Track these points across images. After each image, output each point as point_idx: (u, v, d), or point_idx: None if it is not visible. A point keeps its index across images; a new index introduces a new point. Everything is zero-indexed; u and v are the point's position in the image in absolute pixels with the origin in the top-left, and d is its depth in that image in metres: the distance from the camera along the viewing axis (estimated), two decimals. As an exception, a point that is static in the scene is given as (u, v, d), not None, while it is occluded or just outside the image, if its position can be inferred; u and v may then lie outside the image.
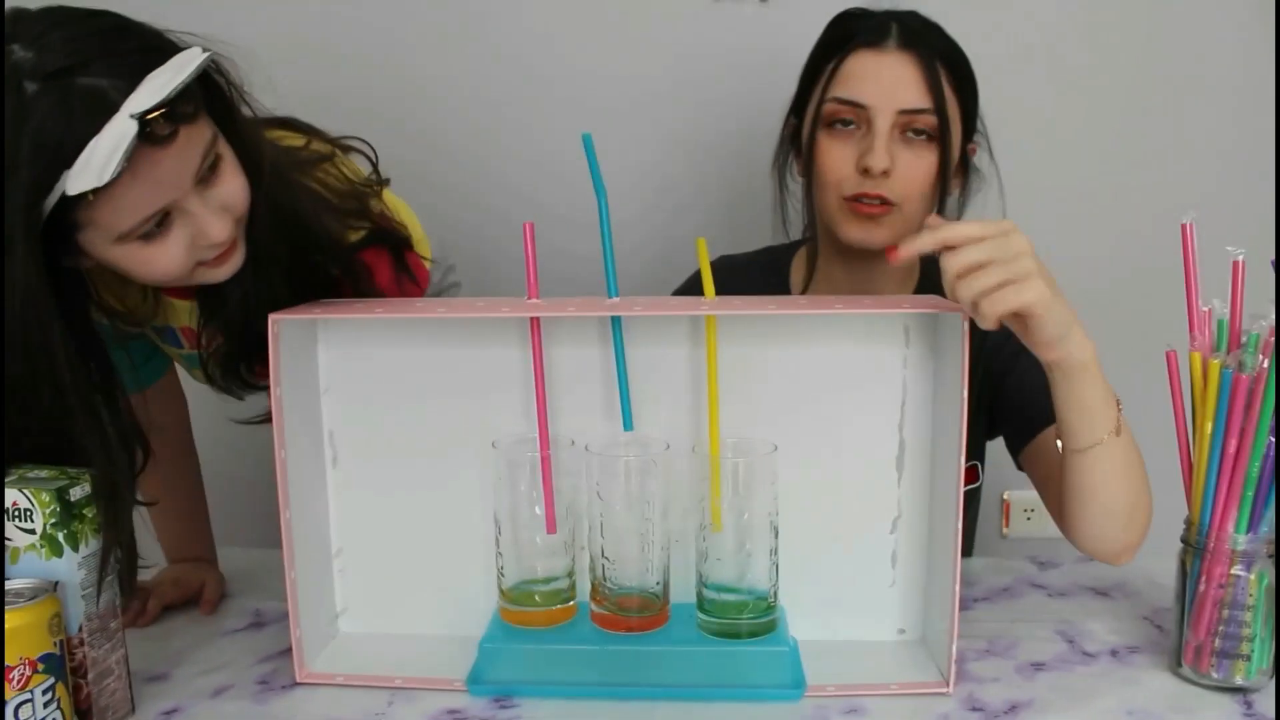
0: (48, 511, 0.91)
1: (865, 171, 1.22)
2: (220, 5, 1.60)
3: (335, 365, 1.12)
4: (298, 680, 1.08)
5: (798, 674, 1.02)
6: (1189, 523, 1.03)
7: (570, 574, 1.08)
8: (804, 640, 1.06)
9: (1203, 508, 1.01)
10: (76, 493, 0.93)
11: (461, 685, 1.05)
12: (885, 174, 1.21)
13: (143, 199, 0.91)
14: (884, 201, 1.23)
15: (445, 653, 1.10)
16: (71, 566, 0.93)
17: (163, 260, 0.96)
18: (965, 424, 0.96)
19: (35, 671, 0.85)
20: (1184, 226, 0.98)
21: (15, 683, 0.84)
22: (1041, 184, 1.93)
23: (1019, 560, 1.34)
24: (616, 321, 1.05)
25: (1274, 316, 0.95)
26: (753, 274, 1.44)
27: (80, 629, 0.93)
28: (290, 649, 1.12)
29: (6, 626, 0.84)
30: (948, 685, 1.01)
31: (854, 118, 1.23)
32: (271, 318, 1.00)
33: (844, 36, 1.25)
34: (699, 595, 1.06)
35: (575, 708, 1.01)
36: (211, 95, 0.97)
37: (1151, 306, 1.66)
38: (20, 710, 0.85)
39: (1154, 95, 1.91)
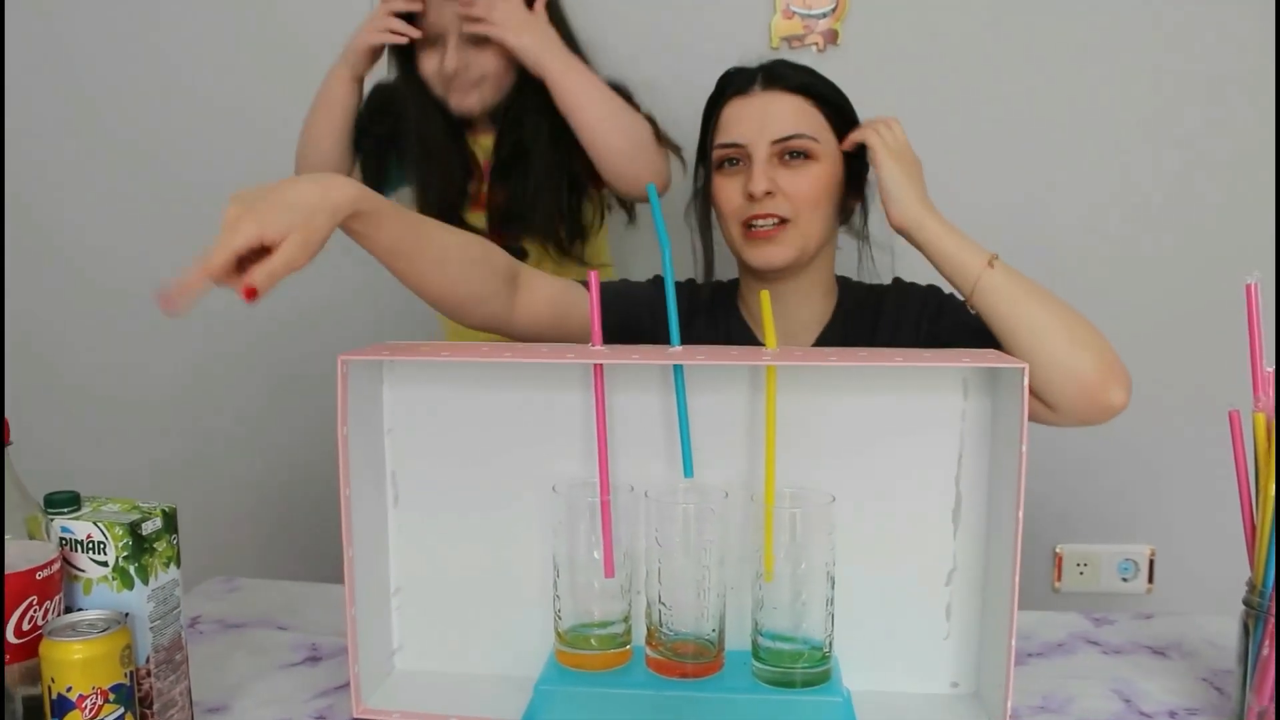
0: (120, 545, 0.93)
1: (751, 198, 1.33)
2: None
3: (399, 406, 1.13)
4: (354, 716, 1.09)
5: (851, 724, 1.02)
6: (1251, 585, 1.02)
7: (626, 618, 1.09)
8: (857, 691, 1.06)
9: (1265, 569, 1.00)
10: (148, 527, 0.95)
11: (517, 725, 1.06)
12: (769, 195, 1.32)
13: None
14: (779, 221, 1.33)
15: (500, 693, 1.11)
16: (141, 599, 0.95)
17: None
18: (1024, 478, 0.97)
19: (107, 701, 0.87)
20: (1248, 287, 0.99)
21: (87, 711, 0.86)
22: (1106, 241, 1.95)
23: (1072, 615, 1.33)
24: (679, 370, 1.06)
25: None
26: (715, 308, 1.51)
27: (148, 660, 0.95)
28: (347, 684, 1.13)
29: (81, 656, 0.86)
30: (1001, 740, 1.01)
31: (738, 156, 1.36)
32: (340, 358, 1.02)
33: (720, 91, 1.40)
34: (754, 643, 1.06)
35: (633, 752, 1.02)
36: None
37: (1211, 362, 1.66)
38: (91, 739, 0.86)
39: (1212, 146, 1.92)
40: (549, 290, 1.32)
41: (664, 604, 1.06)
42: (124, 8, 2.17)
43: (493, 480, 1.13)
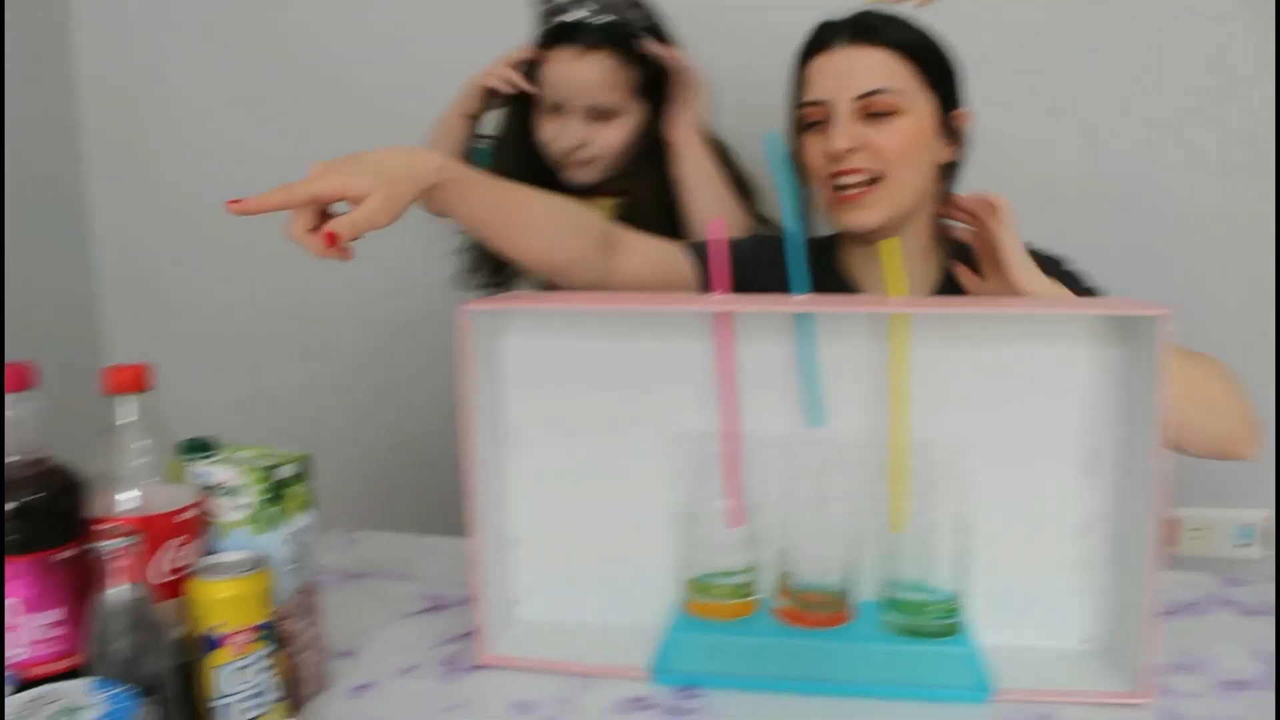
0: (258, 489, 0.94)
1: (833, 156, 1.28)
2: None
3: (521, 355, 1.14)
4: (481, 663, 1.09)
5: (983, 677, 1.01)
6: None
7: (753, 569, 1.08)
8: (987, 645, 1.05)
9: None
10: (284, 472, 0.96)
11: (644, 674, 1.06)
12: (853, 152, 1.28)
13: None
14: (870, 181, 1.29)
15: (624, 642, 1.11)
16: (277, 543, 0.96)
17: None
18: (1160, 429, 0.94)
19: (255, 639, 0.88)
20: None
21: (236, 648, 0.87)
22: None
23: (1202, 575, 1.30)
24: (806, 318, 1.05)
25: None
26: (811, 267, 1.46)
27: (284, 603, 0.96)
28: (469, 633, 1.15)
29: (227, 595, 0.87)
30: (1142, 696, 0.99)
31: (821, 115, 1.31)
32: (463, 308, 1.03)
33: (806, 47, 1.35)
34: (883, 594, 1.05)
35: (760, 701, 1.01)
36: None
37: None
38: (240, 674, 0.88)
39: None
40: (647, 251, 1.31)
41: (791, 554, 1.06)
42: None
43: (614, 430, 1.13)
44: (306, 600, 1.00)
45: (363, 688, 1.06)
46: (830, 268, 1.45)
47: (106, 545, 0.81)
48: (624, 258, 1.28)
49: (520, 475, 1.15)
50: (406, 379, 2.26)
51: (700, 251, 1.32)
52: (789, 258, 1.05)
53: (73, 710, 0.77)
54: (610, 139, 1.64)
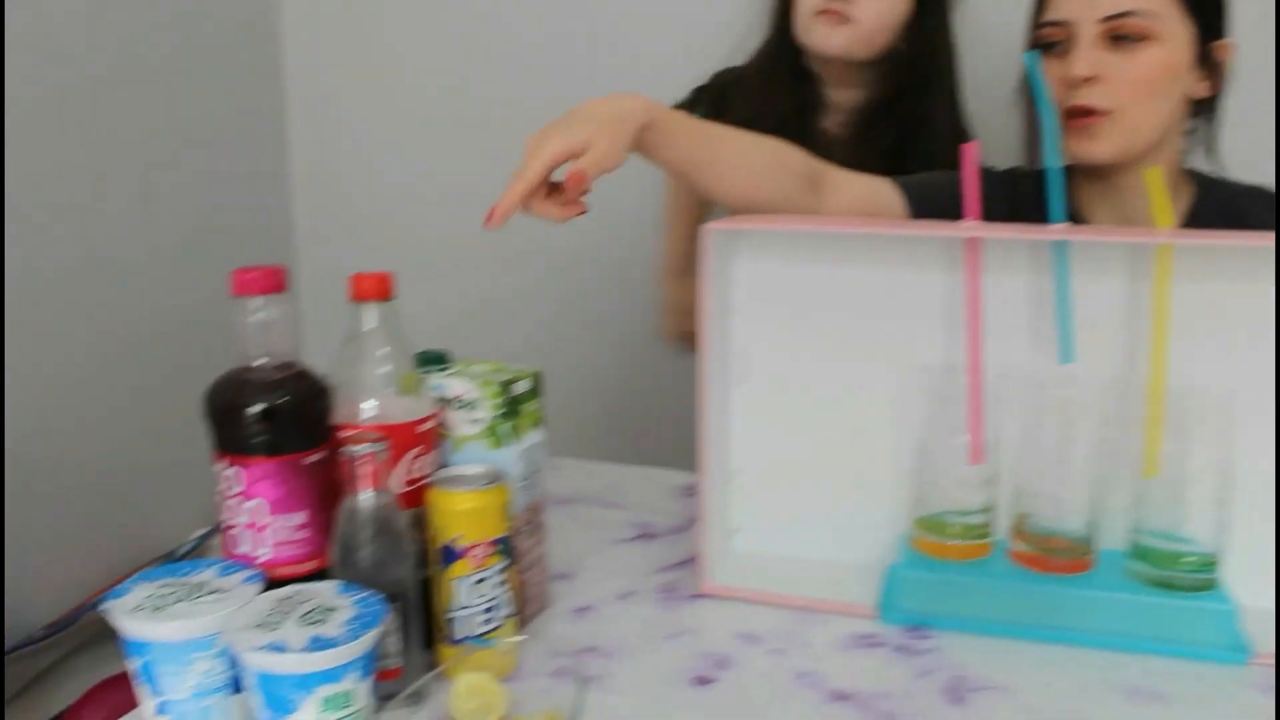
0: (494, 404, 0.93)
1: (1070, 84, 1.18)
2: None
3: (752, 280, 1.10)
4: (701, 592, 1.07)
5: (1242, 638, 0.94)
6: None
7: (988, 509, 1.03)
8: (1244, 606, 0.98)
9: None
10: (520, 388, 0.94)
11: (871, 611, 1.02)
12: (1091, 82, 1.18)
13: None
14: (1092, 111, 1.18)
15: (846, 577, 1.08)
16: (511, 458, 0.95)
17: None
18: None
19: (493, 552, 0.87)
20: None
21: (475, 560, 0.86)
22: None
23: None
24: (1062, 248, 0.99)
25: None
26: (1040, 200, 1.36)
27: (515, 519, 0.95)
28: (685, 562, 1.13)
29: (469, 507, 0.86)
30: None
31: (1061, 37, 1.20)
32: (703, 229, 1.00)
33: None
34: (1132, 542, 0.99)
35: (995, 646, 0.97)
36: None
37: None
38: (477, 587, 0.87)
39: None
40: (858, 189, 1.23)
41: (1033, 496, 1.01)
42: None
43: (845, 360, 1.09)
44: (534, 519, 0.99)
45: (583, 610, 1.05)
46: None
47: (355, 451, 0.81)
48: (832, 198, 1.20)
49: (744, 404, 1.12)
50: (602, 305, 2.23)
51: (913, 190, 1.24)
52: (1049, 184, 0.99)
53: (326, 610, 0.76)
54: (872, 7, 1.50)
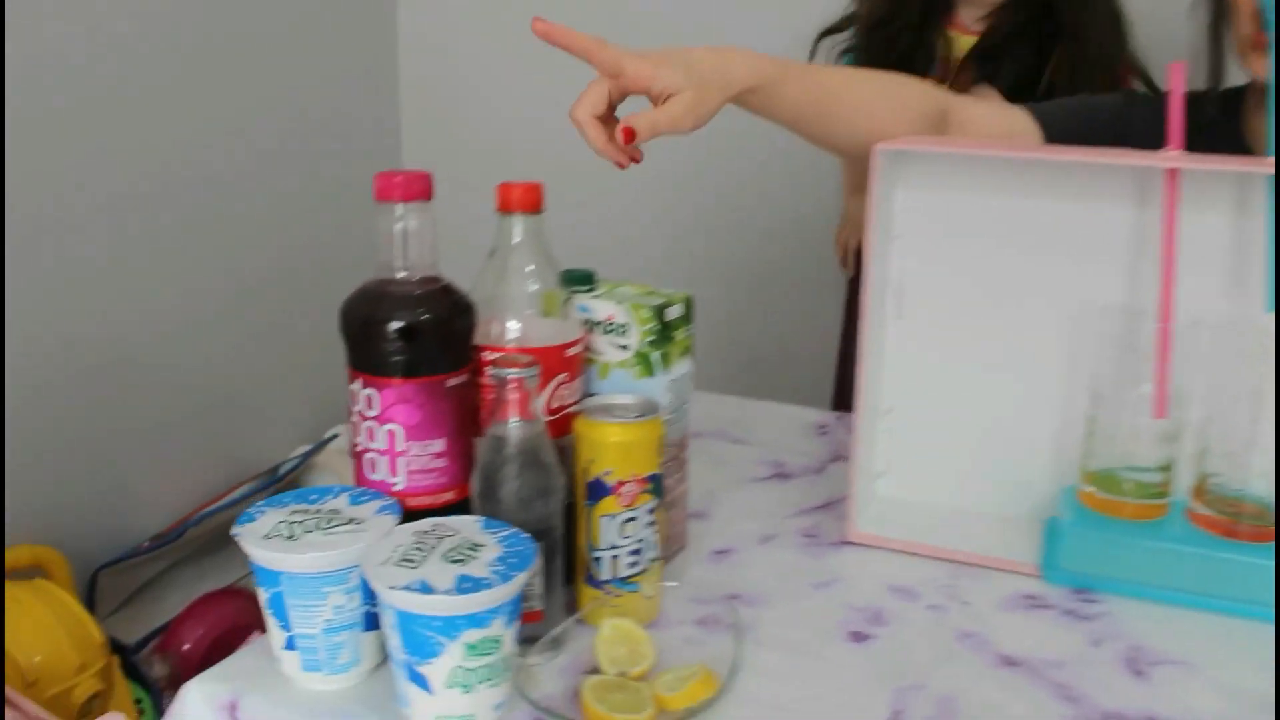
0: (645, 329, 0.86)
1: None
2: None
3: (914, 208, 1.01)
4: (848, 539, 1.00)
5: None
6: None
7: (1167, 467, 0.95)
8: None
9: None
10: (673, 313, 0.87)
11: (1033, 569, 0.94)
12: None
13: None
14: None
15: (1005, 531, 1.01)
16: (660, 388, 0.88)
17: None
18: None
19: (644, 491, 0.80)
20: None
21: (624, 499, 0.79)
22: None
23: None
24: (1273, 184, 0.89)
25: None
26: (1216, 126, 1.22)
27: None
28: (825, 505, 1.06)
29: (621, 439, 0.79)
30: None
31: None
32: (876, 148, 0.91)
33: None
34: (1333, 510, 0.90)
35: (1171, 615, 0.89)
36: None
37: None
38: (625, 527, 0.80)
39: None
40: (991, 122, 1.11)
41: (1220, 456, 0.91)
42: None
43: (1011, 297, 1.00)
44: (679, 454, 0.92)
45: (722, 552, 0.99)
46: (1233, 132, 1.25)
47: (503, 374, 0.74)
48: (960, 135, 1.09)
49: (898, 340, 1.04)
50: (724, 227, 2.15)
51: (1049, 119, 1.11)
52: (1269, 112, 0.88)
53: (471, 548, 0.70)
54: None
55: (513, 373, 0.74)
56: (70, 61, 1.49)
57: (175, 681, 1.61)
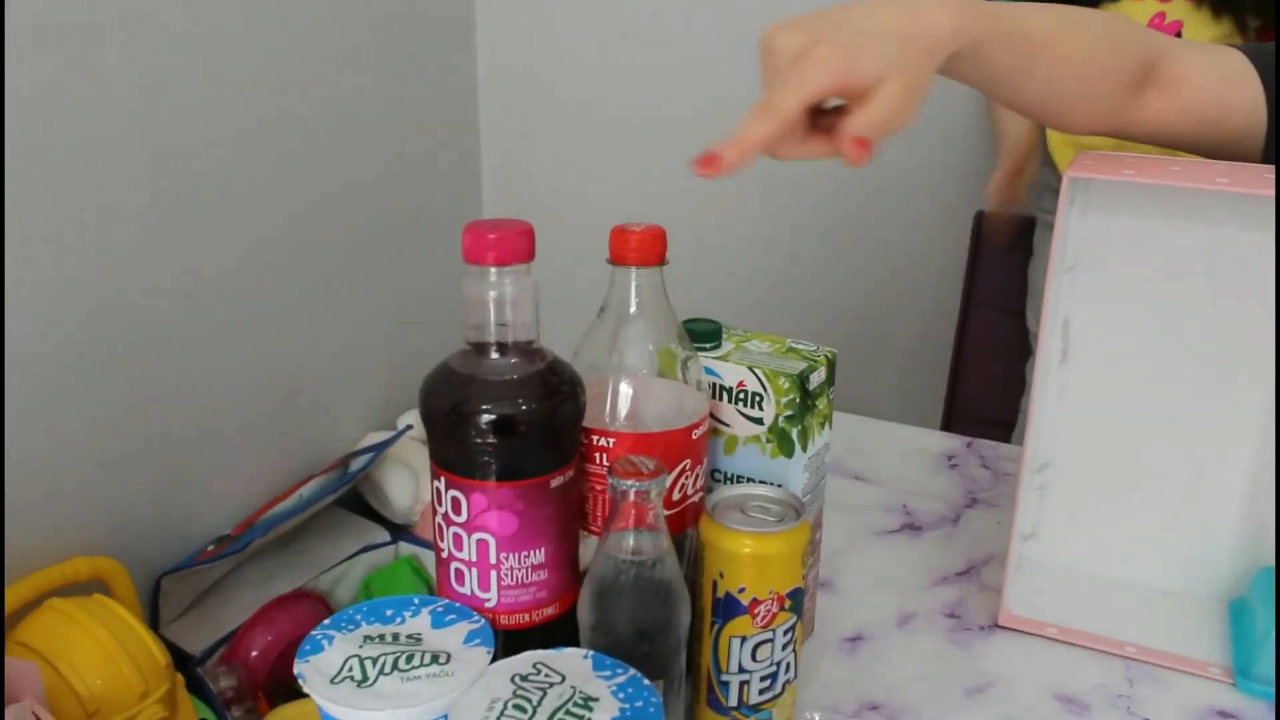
0: (784, 401, 0.72)
1: None
2: None
3: (1089, 237, 0.86)
4: (1000, 622, 0.86)
5: None
6: None
7: (1398, 559, 0.79)
8: None
9: None
10: (815, 379, 0.73)
11: (1223, 671, 0.81)
12: None
13: None
14: None
15: (1180, 616, 0.88)
16: (798, 470, 0.74)
17: None
18: None
19: (782, 609, 0.67)
20: None
21: (759, 619, 0.66)
22: None
23: None
24: None
25: None
26: None
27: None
28: (966, 571, 0.93)
29: (759, 552, 0.66)
30: None
31: None
32: (1066, 173, 0.76)
33: None
34: None
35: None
36: None
37: None
38: (760, 650, 0.67)
39: None
40: (1204, 82, 0.86)
41: None
42: None
43: (1201, 343, 0.85)
44: (812, 538, 0.79)
45: (855, 640, 0.86)
46: None
47: (622, 486, 0.61)
48: (1164, 97, 0.86)
49: (1064, 385, 0.90)
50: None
51: (1265, 64, 0.86)
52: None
53: (585, 702, 0.58)
54: None
55: (634, 485, 0.61)
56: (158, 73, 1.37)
57: (242, 694, 1.52)
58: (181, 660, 1.48)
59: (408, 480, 1.70)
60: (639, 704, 0.58)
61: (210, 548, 1.56)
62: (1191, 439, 0.87)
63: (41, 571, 1.38)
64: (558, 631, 0.67)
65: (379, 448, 1.67)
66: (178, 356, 1.51)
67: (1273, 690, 0.80)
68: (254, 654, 1.55)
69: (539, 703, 0.58)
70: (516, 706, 0.58)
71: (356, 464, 1.66)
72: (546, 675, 0.60)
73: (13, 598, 1.34)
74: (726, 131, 0.66)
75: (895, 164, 1.82)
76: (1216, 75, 0.85)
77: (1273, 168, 0.80)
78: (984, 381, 1.68)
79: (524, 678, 0.60)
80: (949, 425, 1.66)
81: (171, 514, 1.56)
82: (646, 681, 0.60)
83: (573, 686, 0.59)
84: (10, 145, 1.22)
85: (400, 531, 1.70)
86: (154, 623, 1.54)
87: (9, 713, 1.18)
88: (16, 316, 1.27)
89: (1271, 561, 0.85)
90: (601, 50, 2.04)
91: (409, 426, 1.77)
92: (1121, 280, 0.86)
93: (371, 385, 1.87)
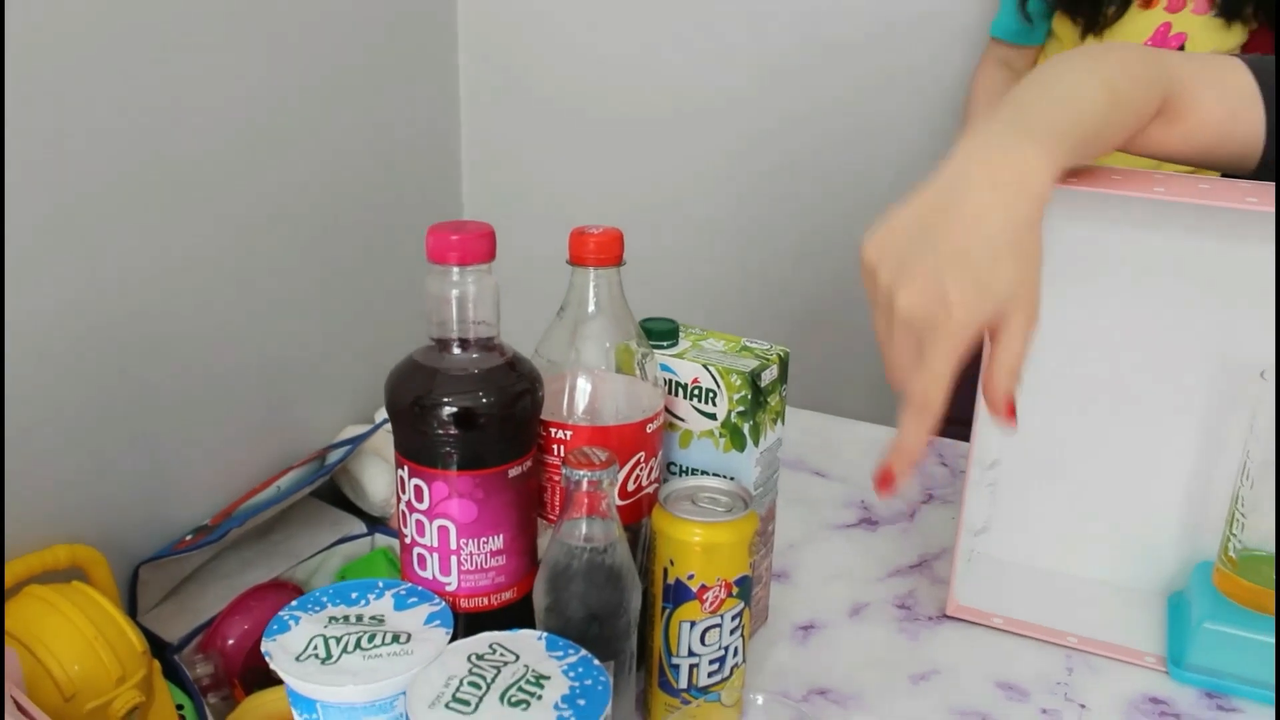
0: (736, 397, 0.75)
1: None
2: None
3: (1051, 243, 0.89)
4: (948, 613, 0.90)
5: None
6: None
7: (1325, 556, 0.83)
8: None
9: None
10: (766, 377, 0.76)
11: (1158, 661, 0.84)
12: None
13: None
14: None
15: (1120, 608, 0.92)
16: (750, 463, 0.77)
17: None
18: None
19: (729, 595, 0.70)
20: None
21: (707, 605, 0.69)
22: None
23: None
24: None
25: None
26: None
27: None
28: (918, 565, 0.97)
29: (707, 541, 0.69)
30: None
31: None
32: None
33: None
34: None
35: (1324, 732, 0.78)
36: None
37: None
38: (708, 634, 0.70)
39: None
40: (1206, 116, 0.84)
41: (1387, 547, 0.79)
42: None
43: (1147, 347, 0.88)
44: (764, 529, 0.82)
45: (807, 629, 0.89)
46: None
47: (576, 475, 0.64)
48: (1160, 131, 0.85)
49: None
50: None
51: (1269, 80, 0.85)
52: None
53: (537, 680, 0.61)
54: None
55: (586, 475, 0.64)
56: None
57: (218, 681, 1.54)
58: (159, 648, 1.51)
59: (384, 473, 1.73)
60: (589, 682, 0.61)
61: (188, 537, 1.59)
62: (1135, 441, 0.91)
63: (21, 559, 1.40)
64: (516, 615, 0.71)
65: (356, 441, 1.69)
66: (158, 349, 1.53)
67: (1204, 679, 0.83)
68: (230, 642, 1.57)
69: (493, 680, 0.61)
70: (471, 683, 0.61)
71: (334, 456, 1.68)
72: (501, 655, 0.63)
73: (-9, 584, 1.37)
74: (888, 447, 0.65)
75: (863, 166, 1.86)
76: (1225, 109, 0.84)
77: (1217, 179, 0.83)
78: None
79: (480, 657, 0.63)
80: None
81: (150, 504, 1.58)
82: (597, 662, 0.63)
83: (526, 665, 0.62)
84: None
85: (376, 524, 1.73)
86: (132, 611, 1.56)
87: (-13, 696, 1.21)
88: (5, 318, 1.30)
89: (1209, 557, 0.88)
90: (593, 51, 2.06)
91: (386, 420, 1.79)
92: (1071, 286, 0.89)
93: (349, 380, 1.90)
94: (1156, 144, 0.84)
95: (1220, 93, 0.83)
